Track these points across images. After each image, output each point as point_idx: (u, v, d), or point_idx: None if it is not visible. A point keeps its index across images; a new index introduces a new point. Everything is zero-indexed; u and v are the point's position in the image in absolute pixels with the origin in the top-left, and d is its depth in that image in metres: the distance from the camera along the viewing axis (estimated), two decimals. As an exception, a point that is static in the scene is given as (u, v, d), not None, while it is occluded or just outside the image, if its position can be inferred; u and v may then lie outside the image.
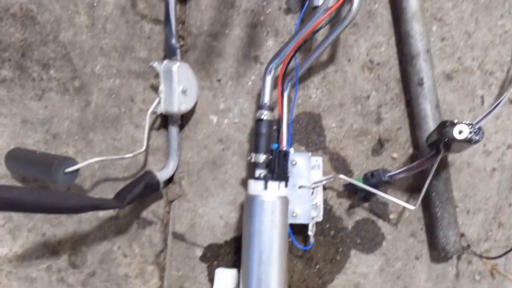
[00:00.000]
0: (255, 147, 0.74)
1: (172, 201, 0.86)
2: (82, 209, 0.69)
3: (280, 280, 0.71)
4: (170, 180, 0.86)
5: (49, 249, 0.88)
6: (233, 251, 0.84)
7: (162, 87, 0.78)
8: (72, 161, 0.74)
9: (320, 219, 0.78)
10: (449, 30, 0.80)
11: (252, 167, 0.77)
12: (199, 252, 0.85)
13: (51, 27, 0.86)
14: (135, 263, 0.87)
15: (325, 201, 0.82)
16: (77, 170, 0.74)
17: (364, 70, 0.82)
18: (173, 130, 0.83)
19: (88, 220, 0.87)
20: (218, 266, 0.84)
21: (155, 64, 0.79)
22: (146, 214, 0.87)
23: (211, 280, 0.85)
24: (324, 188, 0.82)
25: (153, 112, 0.79)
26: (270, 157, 0.72)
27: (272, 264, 0.70)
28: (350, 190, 0.81)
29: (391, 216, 0.82)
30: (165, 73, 0.78)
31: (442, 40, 0.80)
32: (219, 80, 0.85)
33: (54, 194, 0.66)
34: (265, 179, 0.72)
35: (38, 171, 0.74)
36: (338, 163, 0.82)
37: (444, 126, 0.64)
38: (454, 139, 0.64)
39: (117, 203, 0.73)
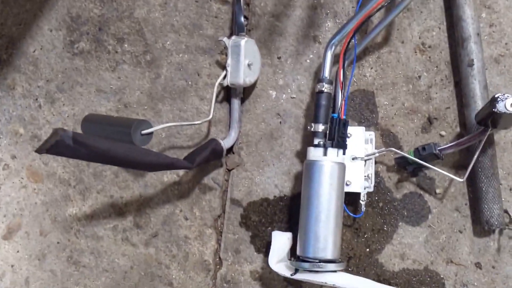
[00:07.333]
0: (314, 118, 0.80)
1: (231, 169, 0.93)
2: (159, 166, 0.75)
3: (336, 238, 0.76)
4: (229, 150, 0.92)
5: (116, 210, 0.95)
6: (287, 218, 0.90)
7: (229, 61, 0.85)
8: (148, 124, 0.80)
9: (371, 189, 0.83)
10: (498, 17, 0.84)
11: (310, 136, 0.83)
12: (254, 218, 0.91)
13: (127, 4, 0.94)
14: (195, 225, 0.93)
15: (375, 175, 0.87)
16: (152, 132, 0.80)
17: (416, 52, 0.87)
18: (235, 102, 0.90)
19: (153, 184, 0.94)
20: (272, 231, 0.90)
21: (225, 39, 0.85)
22: (206, 180, 0.93)
23: (265, 244, 0.91)
24: (375, 162, 0.87)
25: (220, 84, 0.86)
26: (329, 126, 0.78)
27: (329, 223, 0.76)
28: (400, 164, 0.86)
29: (437, 191, 0.86)
30: (233, 47, 0.84)
31: (490, 26, 0.85)
32: (279, 58, 0.91)
33: (138, 149, 0.72)
34: (325, 146, 0.77)
35: (116, 131, 0.79)
36: (389, 139, 0.87)
37: (496, 100, 0.69)
38: (505, 112, 0.69)
39: (188, 163, 0.79)
